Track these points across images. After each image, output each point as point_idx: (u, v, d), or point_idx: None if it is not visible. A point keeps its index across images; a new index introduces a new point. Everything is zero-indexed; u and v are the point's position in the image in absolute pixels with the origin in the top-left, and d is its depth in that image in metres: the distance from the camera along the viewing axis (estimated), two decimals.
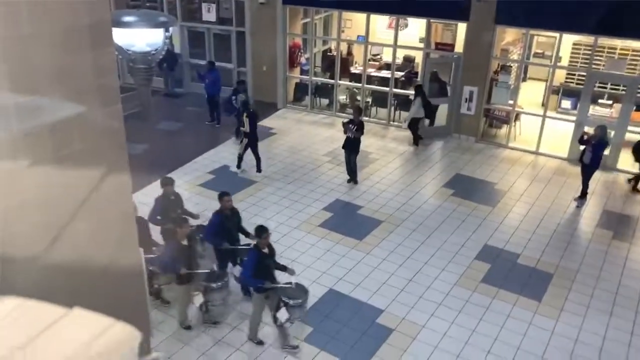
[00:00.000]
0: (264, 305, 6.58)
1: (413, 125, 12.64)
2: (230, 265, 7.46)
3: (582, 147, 10.19)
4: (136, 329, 0.43)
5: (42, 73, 2.74)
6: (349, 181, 10.83)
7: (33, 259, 2.50)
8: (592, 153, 9.86)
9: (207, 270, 6.95)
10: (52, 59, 2.76)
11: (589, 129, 10.79)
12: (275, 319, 6.46)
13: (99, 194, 2.89)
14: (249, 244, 7.12)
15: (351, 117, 10.98)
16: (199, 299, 6.83)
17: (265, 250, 6.46)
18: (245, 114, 10.55)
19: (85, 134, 3.06)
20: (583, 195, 10.29)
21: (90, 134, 3.08)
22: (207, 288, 6.75)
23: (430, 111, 12.87)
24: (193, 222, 7.64)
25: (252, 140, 10.76)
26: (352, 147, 10.61)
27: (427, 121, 13.12)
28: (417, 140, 12.75)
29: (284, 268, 6.66)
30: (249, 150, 10.91)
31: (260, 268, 6.32)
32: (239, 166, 11.13)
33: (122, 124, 2.94)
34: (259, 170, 10.99)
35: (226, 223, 7.26)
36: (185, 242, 6.60)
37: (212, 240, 7.26)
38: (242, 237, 7.46)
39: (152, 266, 6.60)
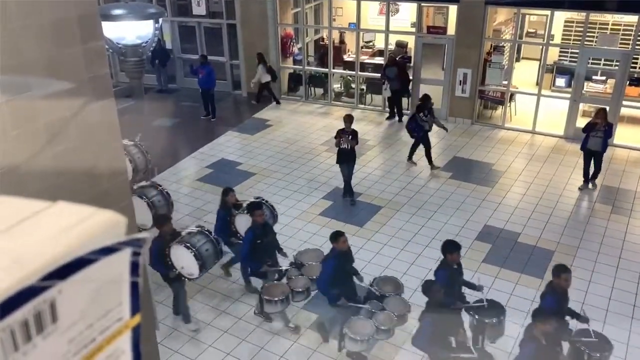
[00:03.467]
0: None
1: (263, 88, 14.13)
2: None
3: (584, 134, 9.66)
4: (122, 214, 0.43)
5: (32, 65, 2.74)
6: (348, 198, 9.71)
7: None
8: (602, 138, 9.40)
9: None
10: (42, 52, 2.76)
11: (588, 107, 10.70)
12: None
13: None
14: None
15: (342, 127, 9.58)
16: None
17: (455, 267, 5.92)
18: None
19: (79, 128, 3.06)
20: (593, 177, 9.97)
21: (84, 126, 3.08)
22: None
23: (275, 76, 14.15)
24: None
25: None
26: (350, 158, 9.39)
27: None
28: (276, 99, 14.42)
29: (473, 286, 6.06)
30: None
31: (453, 287, 5.72)
32: None
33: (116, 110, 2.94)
34: None
35: (346, 265, 6.26)
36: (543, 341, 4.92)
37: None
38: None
39: None
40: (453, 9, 13.08)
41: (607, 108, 10.21)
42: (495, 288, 7.45)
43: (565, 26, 14.02)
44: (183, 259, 6.10)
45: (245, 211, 6.98)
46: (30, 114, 2.77)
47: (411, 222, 9.04)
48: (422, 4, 13.19)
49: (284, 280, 6.60)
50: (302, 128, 13.12)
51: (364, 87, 14.47)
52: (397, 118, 13.40)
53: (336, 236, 6.05)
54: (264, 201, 7.38)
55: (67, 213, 0.42)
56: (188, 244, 6.04)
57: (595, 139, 9.46)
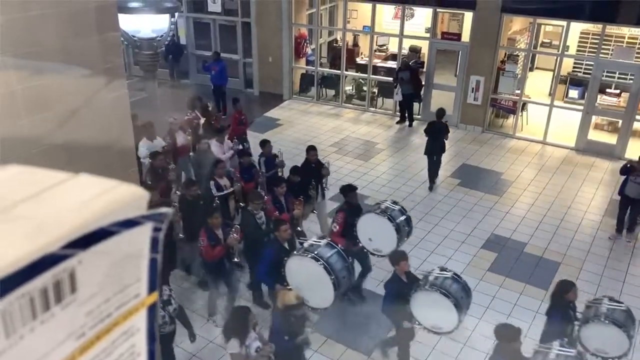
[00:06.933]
0: None
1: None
2: None
3: (622, 177, 8.55)
4: (143, 189, 0.43)
5: (49, 54, 2.76)
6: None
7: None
8: None
9: None
10: (59, 41, 2.78)
11: (600, 120, 10.61)
12: None
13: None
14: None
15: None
16: None
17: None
18: None
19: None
20: (631, 229, 8.76)
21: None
22: None
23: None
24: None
25: None
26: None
27: None
28: None
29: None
30: None
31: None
32: None
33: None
34: None
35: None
36: None
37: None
38: None
39: None
40: (468, 16, 13.05)
41: None
42: (499, 297, 7.41)
43: (580, 38, 13.94)
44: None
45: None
46: (44, 101, 2.79)
47: (417, 228, 8.97)
48: (438, 10, 13.17)
49: None
50: (312, 128, 13.12)
51: (375, 90, 14.45)
52: (407, 122, 13.38)
53: None
54: None
55: (90, 184, 0.42)
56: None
57: (635, 185, 8.26)
